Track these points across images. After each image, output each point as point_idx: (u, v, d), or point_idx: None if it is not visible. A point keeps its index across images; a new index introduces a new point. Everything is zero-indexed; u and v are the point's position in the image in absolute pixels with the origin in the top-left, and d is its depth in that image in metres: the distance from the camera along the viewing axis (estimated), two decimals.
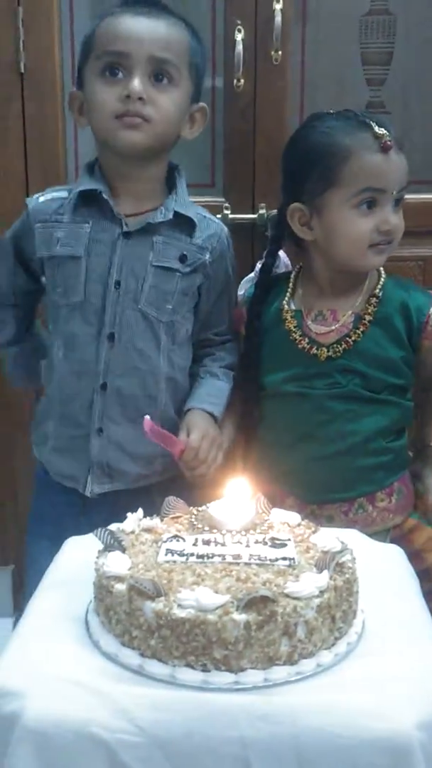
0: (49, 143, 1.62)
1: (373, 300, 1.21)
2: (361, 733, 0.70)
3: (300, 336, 1.22)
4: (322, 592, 0.79)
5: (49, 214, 1.24)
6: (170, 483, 1.24)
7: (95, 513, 1.21)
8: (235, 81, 1.63)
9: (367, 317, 1.21)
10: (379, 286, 1.22)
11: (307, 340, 1.22)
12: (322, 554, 0.85)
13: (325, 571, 0.81)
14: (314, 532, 0.92)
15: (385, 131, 1.14)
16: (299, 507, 1.16)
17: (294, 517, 0.95)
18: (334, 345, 1.21)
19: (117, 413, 1.23)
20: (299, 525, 0.94)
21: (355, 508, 1.20)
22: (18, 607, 1.88)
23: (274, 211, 1.64)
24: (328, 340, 1.21)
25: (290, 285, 1.27)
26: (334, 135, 1.17)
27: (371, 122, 1.16)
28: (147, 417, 1.16)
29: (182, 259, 1.23)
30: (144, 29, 1.16)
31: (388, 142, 1.14)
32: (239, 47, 1.62)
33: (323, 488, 1.20)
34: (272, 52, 1.61)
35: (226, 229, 1.30)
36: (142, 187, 1.23)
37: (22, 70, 1.61)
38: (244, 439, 1.31)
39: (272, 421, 1.26)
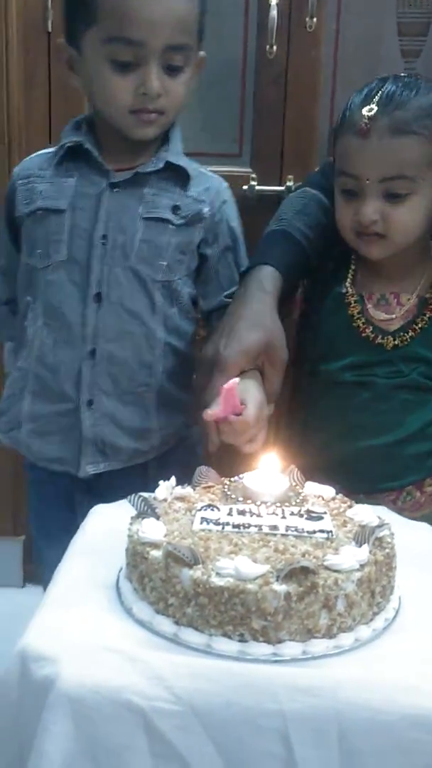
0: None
1: None
2: (403, 709, 0.69)
3: (363, 323, 1.15)
4: (362, 566, 0.77)
5: (33, 170, 1.18)
6: (167, 457, 1.19)
7: (87, 500, 1.12)
8: (267, 47, 1.60)
9: None
10: None
11: (371, 328, 1.15)
12: (360, 528, 0.83)
13: (365, 545, 0.80)
14: (349, 507, 0.90)
15: (368, 113, 1.05)
16: (346, 496, 1.13)
17: (329, 490, 0.93)
18: (400, 332, 1.14)
19: (108, 383, 1.15)
20: (334, 499, 0.93)
21: (404, 496, 1.17)
22: (29, 579, 1.88)
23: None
24: (392, 327, 1.15)
25: (352, 267, 1.19)
26: (349, 104, 1.09)
27: (373, 99, 1.06)
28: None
29: (175, 209, 1.14)
30: (159, 11, 1.04)
31: (364, 127, 1.04)
32: (273, 12, 1.59)
33: (372, 478, 1.15)
34: (307, 19, 1.58)
35: (226, 183, 1.21)
36: (135, 146, 1.14)
37: (50, 29, 1.58)
38: (285, 425, 1.26)
39: (323, 408, 1.19)
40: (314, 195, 1.20)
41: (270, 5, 1.58)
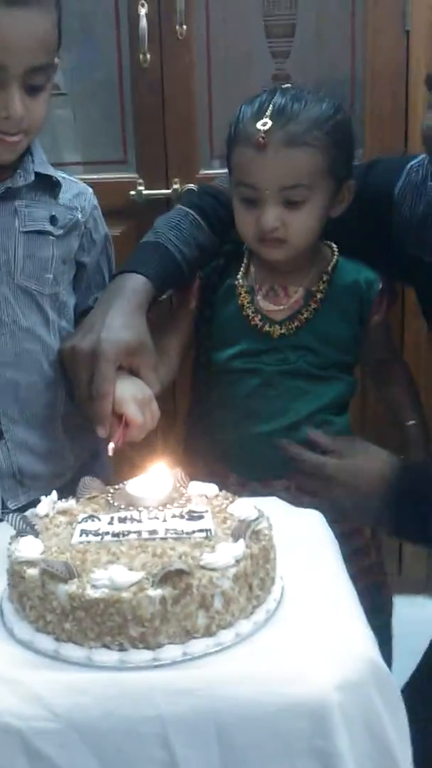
0: None
1: (325, 277, 1.19)
2: (279, 698, 0.69)
3: (253, 312, 1.19)
4: (238, 561, 0.77)
5: None
6: (80, 474, 1.11)
7: None
8: (141, 56, 1.61)
9: (319, 294, 1.19)
10: (331, 264, 1.20)
11: (259, 316, 1.19)
12: (238, 523, 0.84)
13: (241, 540, 0.80)
14: (232, 503, 0.90)
15: (263, 127, 1.07)
16: (241, 484, 1.15)
17: (212, 488, 0.93)
18: (287, 322, 1.18)
19: (15, 411, 1.11)
20: (217, 496, 0.93)
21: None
22: None
23: (190, 185, 1.64)
24: (279, 317, 1.19)
25: (244, 261, 1.22)
26: (239, 117, 1.12)
27: (265, 112, 1.08)
28: (110, 447, 1.02)
29: (53, 220, 1.12)
30: (19, 35, 0.97)
31: (261, 140, 1.07)
32: (143, 22, 1.59)
33: (266, 465, 1.18)
34: (177, 27, 1.60)
35: (90, 189, 1.20)
36: None
37: None
38: (188, 417, 1.29)
39: (218, 398, 1.23)
40: (187, 212, 1.22)
41: (139, 15, 1.59)
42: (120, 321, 1.08)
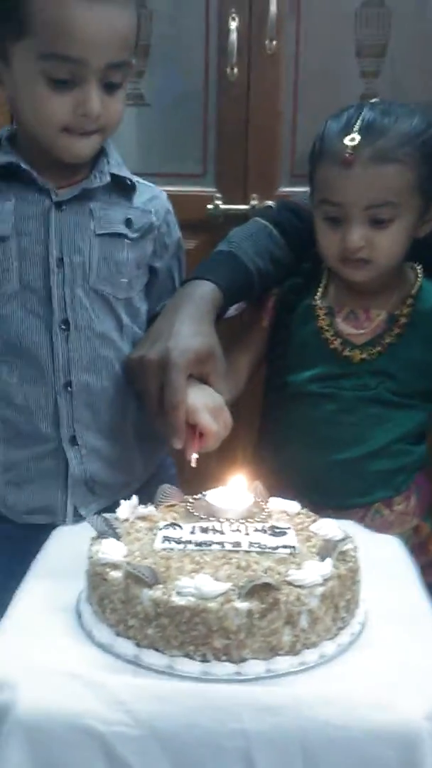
0: None
1: (409, 300, 1.15)
2: (368, 725, 0.67)
3: (332, 336, 1.15)
4: (325, 581, 0.76)
5: None
6: (149, 486, 1.12)
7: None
8: (228, 70, 1.62)
9: (402, 319, 1.14)
10: (416, 287, 1.16)
11: (339, 340, 1.15)
12: (324, 542, 0.82)
13: (328, 559, 0.78)
14: (314, 521, 0.89)
15: (351, 143, 1.04)
16: (314, 511, 1.13)
17: (293, 505, 0.93)
18: (368, 347, 1.14)
19: (88, 416, 1.09)
20: (298, 514, 0.92)
21: (372, 513, 1.16)
22: None
23: (268, 202, 1.63)
24: (360, 341, 1.15)
25: (323, 281, 1.19)
26: (325, 133, 1.10)
27: (353, 127, 1.06)
28: (193, 457, 1.01)
29: (128, 223, 1.09)
30: (102, 29, 0.96)
31: (348, 157, 1.04)
32: (233, 36, 1.60)
33: (340, 493, 1.14)
34: (266, 42, 1.60)
35: (165, 193, 1.17)
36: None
37: None
38: (257, 442, 1.26)
39: (291, 421, 1.19)
40: (265, 225, 1.21)
41: (230, 29, 1.60)
42: (188, 328, 1.06)
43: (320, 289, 1.19)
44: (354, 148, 1.05)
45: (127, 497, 1.11)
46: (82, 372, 1.08)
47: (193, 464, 1.01)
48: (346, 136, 1.06)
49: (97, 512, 1.09)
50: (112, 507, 1.08)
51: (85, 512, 1.10)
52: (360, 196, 1.06)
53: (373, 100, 1.13)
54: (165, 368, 1.03)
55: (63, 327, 1.06)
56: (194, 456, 1.01)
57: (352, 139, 1.05)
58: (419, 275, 1.18)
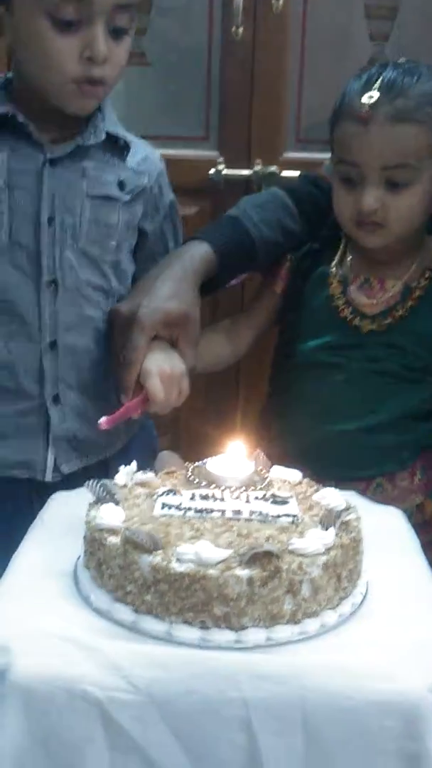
0: None
1: (428, 273, 1.12)
2: (370, 695, 0.66)
3: (343, 304, 1.13)
4: (328, 550, 0.75)
5: None
6: (128, 449, 1.14)
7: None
8: (233, 29, 1.57)
9: (418, 291, 1.12)
10: None
11: (350, 309, 1.13)
12: (326, 512, 0.81)
13: (331, 529, 0.77)
14: (316, 491, 0.88)
15: (369, 100, 1.02)
16: (315, 482, 1.11)
17: (295, 474, 0.91)
18: (379, 317, 1.12)
19: (72, 376, 1.08)
20: (300, 483, 0.90)
21: (374, 487, 1.13)
22: None
23: (272, 168, 1.60)
24: (372, 311, 1.12)
25: (341, 248, 1.16)
26: (346, 90, 1.07)
27: (373, 85, 1.03)
28: (102, 420, 0.97)
29: (121, 185, 1.08)
30: None
31: (365, 114, 1.02)
32: None
33: (343, 465, 1.12)
34: (273, 1, 1.55)
35: (158, 152, 1.16)
36: (66, 116, 1.03)
37: None
38: (263, 411, 1.24)
39: (298, 389, 1.17)
40: (279, 195, 1.18)
41: None
42: (167, 289, 1.05)
43: (337, 257, 1.16)
44: (372, 105, 1.02)
45: (110, 456, 1.13)
46: (68, 332, 1.07)
47: (103, 427, 0.97)
48: (366, 93, 1.03)
49: (80, 470, 1.10)
50: (96, 466, 1.12)
51: (67, 468, 1.10)
52: (376, 156, 1.04)
53: (401, 60, 1.09)
54: (131, 325, 1.02)
55: (50, 286, 1.05)
56: (104, 418, 0.97)
57: (371, 97, 1.02)
58: None
